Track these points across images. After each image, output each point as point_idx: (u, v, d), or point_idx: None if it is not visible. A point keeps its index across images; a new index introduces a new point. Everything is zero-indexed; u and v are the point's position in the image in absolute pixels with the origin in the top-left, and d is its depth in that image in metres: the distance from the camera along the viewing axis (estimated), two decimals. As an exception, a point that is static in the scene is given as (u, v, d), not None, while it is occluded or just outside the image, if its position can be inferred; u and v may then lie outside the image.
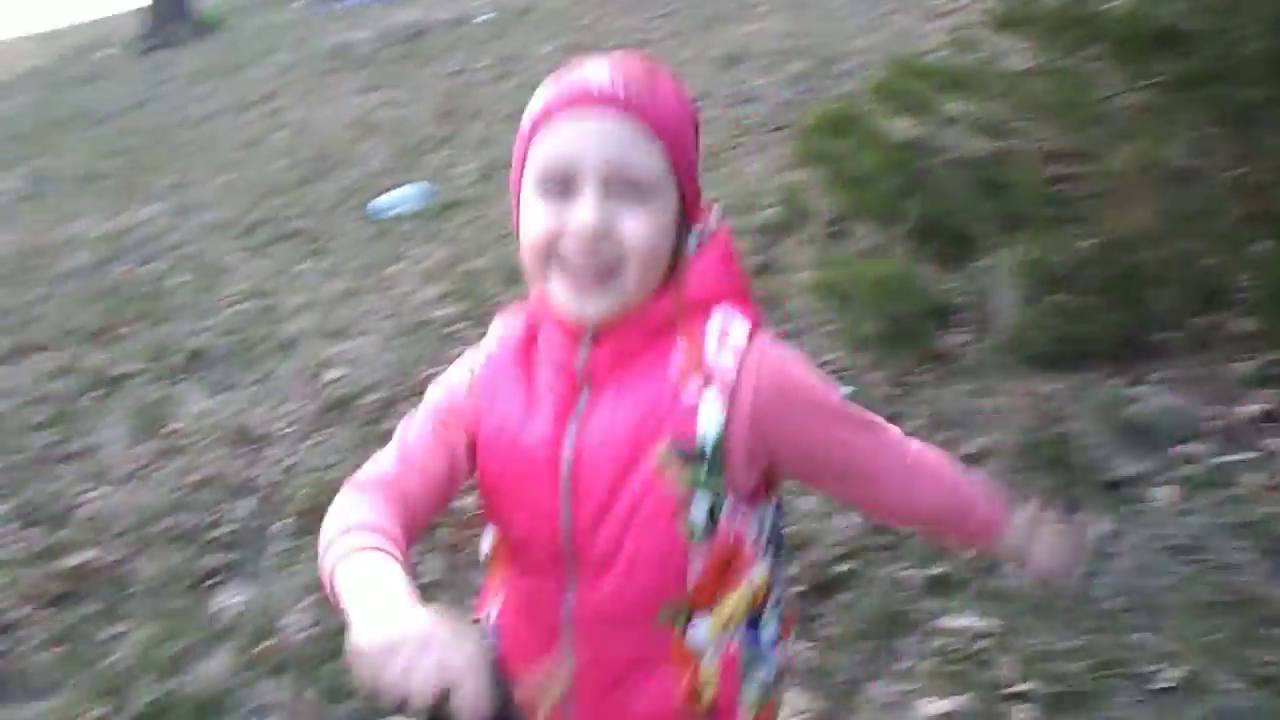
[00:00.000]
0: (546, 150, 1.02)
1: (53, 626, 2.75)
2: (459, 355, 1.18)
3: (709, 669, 1.08)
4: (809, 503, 2.61)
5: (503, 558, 1.17)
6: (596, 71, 1.02)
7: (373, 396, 3.63)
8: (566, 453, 1.04)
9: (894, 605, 2.25)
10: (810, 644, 2.21)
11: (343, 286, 4.75)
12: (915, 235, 3.24)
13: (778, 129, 5.19)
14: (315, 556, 0.95)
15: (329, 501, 1.01)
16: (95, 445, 3.75)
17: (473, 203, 5.40)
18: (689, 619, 1.07)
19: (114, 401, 4.07)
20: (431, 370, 2.96)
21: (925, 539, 1.13)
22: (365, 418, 3.50)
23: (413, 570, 0.91)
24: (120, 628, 2.71)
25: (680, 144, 1.03)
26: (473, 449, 1.10)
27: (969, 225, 3.03)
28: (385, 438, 1.13)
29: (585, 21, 8.86)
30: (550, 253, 1.02)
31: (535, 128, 1.03)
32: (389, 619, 0.82)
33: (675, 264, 1.05)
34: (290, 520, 3.00)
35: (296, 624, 2.55)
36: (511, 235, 1.09)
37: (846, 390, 3.11)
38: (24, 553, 3.12)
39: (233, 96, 9.44)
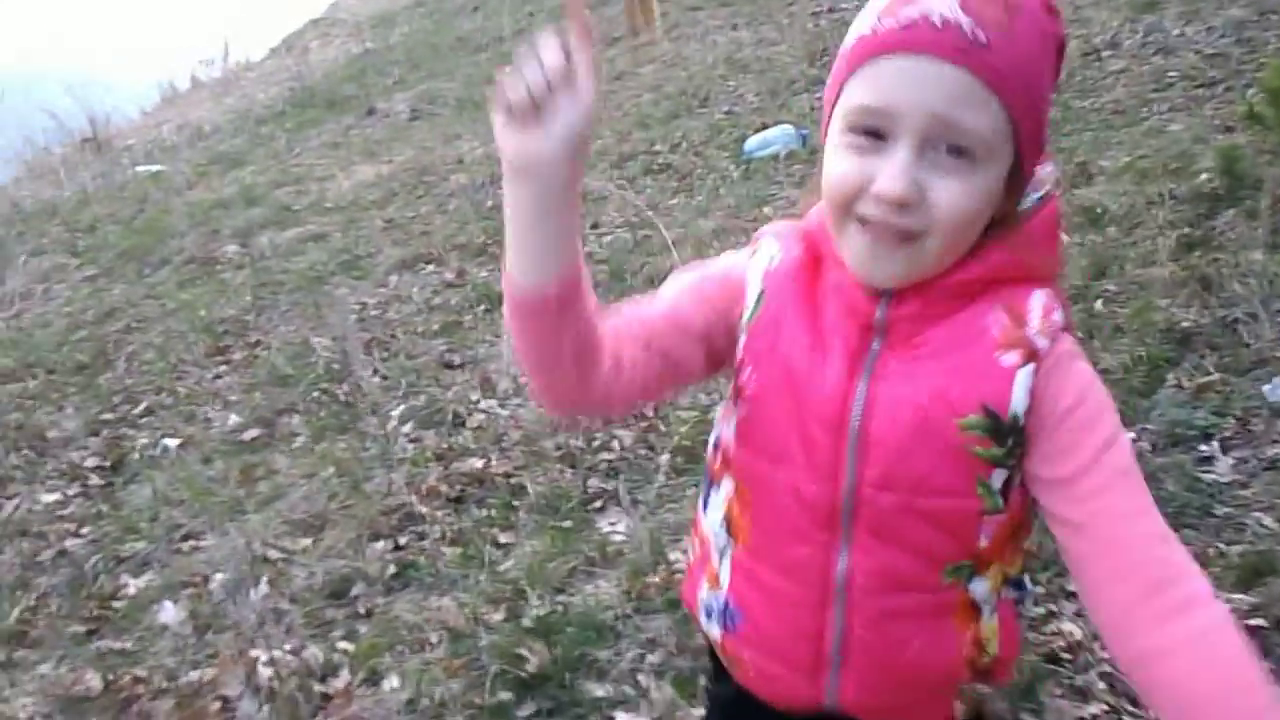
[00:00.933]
0: (862, 92, 0.89)
1: (451, 525, 2.92)
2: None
3: (989, 625, 1.03)
4: (1267, 520, 2.27)
5: (748, 524, 1.06)
6: (941, 1, 0.85)
7: (747, 340, 3.58)
8: (858, 405, 0.95)
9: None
10: None
11: (713, 225, 4.73)
12: None
13: (1205, 84, 4.58)
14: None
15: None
16: (482, 358, 3.96)
17: (844, 148, 5.21)
18: (972, 576, 1.00)
19: (497, 318, 4.29)
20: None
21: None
22: (739, 361, 3.46)
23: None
24: (511, 537, 2.85)
25: (1030, 100, 0.88)
26: (725, 344, 1.04)
27: None
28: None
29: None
30: (849, 209, 0.91)
31: (855, 60, 0.90)
32: None
33: (992, 226, 0.93)
34: (669, 457, 3.01)
35: (681, 561, 2.55)
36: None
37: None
38: (421, 453, 3.35)
39: (598, 29, 9.72)
